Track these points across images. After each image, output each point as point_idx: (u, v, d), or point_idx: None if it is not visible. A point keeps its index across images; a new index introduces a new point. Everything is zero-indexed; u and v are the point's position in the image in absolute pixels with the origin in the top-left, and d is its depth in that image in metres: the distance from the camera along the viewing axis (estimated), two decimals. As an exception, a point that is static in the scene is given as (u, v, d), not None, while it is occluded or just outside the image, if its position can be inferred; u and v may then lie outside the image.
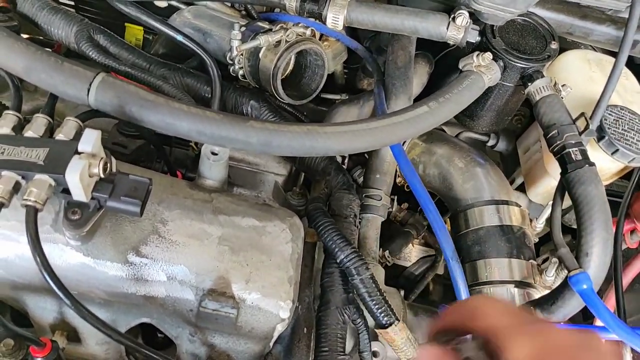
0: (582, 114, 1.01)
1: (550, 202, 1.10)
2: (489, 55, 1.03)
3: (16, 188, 0.73)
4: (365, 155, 1.32)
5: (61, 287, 0.72)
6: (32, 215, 0.71)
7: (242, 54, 1.17)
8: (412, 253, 1.63)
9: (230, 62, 1.19)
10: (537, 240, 1.24)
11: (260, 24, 1.21)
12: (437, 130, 1.40)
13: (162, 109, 0.81)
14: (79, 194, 0.74)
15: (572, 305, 0.94)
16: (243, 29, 1.18)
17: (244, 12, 1.36)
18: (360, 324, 0.95)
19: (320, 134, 0.85)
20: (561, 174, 0.98)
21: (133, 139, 1.11)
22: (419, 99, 1.23)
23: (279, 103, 1.23)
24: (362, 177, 1.30)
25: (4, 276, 0.82)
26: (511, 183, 1.37)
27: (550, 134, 1.00)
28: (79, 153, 0.74)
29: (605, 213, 0.91)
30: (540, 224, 1.17)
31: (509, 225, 1.14)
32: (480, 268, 1.11)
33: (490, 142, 1.45)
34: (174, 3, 1.34)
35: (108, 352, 0.96)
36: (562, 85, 1.05)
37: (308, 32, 1.16)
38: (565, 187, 0.97)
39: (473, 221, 1.16)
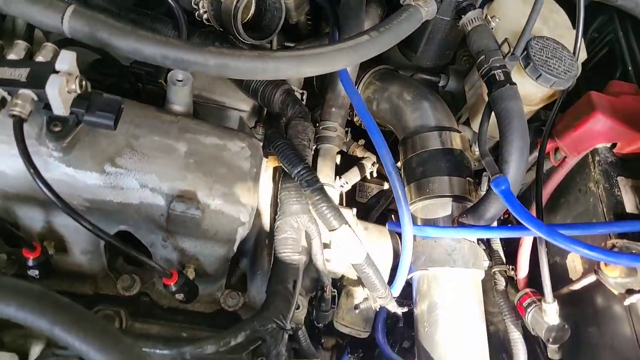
0: (506, 40, 1.14)
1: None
2: (426, -11, 1.15)
3: (2, 103, 0.84)
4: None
5: (50, 189, 0.83)
6: (18, 124, 0.82)
7: (206, -1, 1.27)
8: (373, 190, 1.78)
9: (195, 7, 1.29)
10: (477, 165, 1.37)
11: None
12: (391, 71, 1.52)
13: (130, 35, 0.91)
14: (59, 107, 0.85)
15: (496, 207, 1.08)
16: (205, -26, 1.28)
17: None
18: (313, 230, 1.08)
19: (271, 57, 0.97)
20: (487, 94, 1.11)
21: (107, 76, 1.22)
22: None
23: (242, 45, 1.34)
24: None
25: (-4, 187, 0.93)
26: (459, 119, 1.51)
27: (479, 59, 1.13)
28: (57, 72, 0.85)
29: (522, 125, 1.04)
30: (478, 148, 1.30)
31: (450, 148, 1.27)
32: (424, 185, 1.24)
33: (441, 83, 1.57)
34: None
35: (92, 261, 1.08)
36: (492, 17, 1.17)
37: (266, -25, 1.26)
38: (490, 105, 1.10)
39: (418, 146, 1.29)
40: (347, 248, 1.06)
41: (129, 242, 1.02)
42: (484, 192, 1.20)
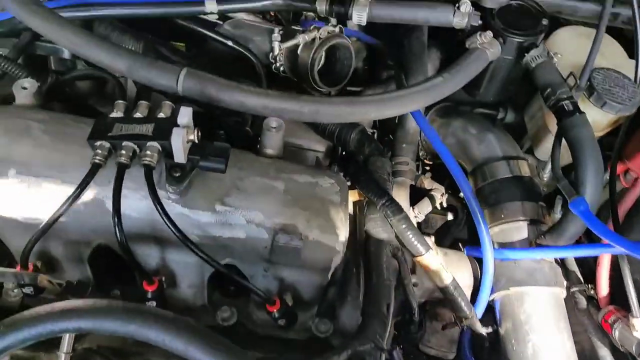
0: (571, 73, 1.22)
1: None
2: (489, 33, 1.24)
3: (134, 154, 0.97)
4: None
5: (175, 226, 0.95)
6: (149, 172, 0.95)
7: (282, 53, 1.41)
8: (438, 222, 1.84)
9: (272, 60, 1.43)
10: (545, 190, 1.43)
11: (294, 27, 1.44)
12: (451, 107, 1.62)
13: (235, 91, 1.03)
14: (180, 156, 0.97)
15: (575, 227, 1.14)
16: (281, 32, 1.41)
17: (273, 21, 1.61)
18: (401, 257, 1.16)
19: (357, 102, 1.08)
20: (557, 124, 1.19)
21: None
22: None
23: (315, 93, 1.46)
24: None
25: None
26: (521, 148, 1.58)
27: (546, 93, 1.21)
28: (178, 125, 0.98)
29: (595, 149, 1.11)
30: (546, 174, 1.37)
31: (520, 176, 1.35)
32: (498, 211, 1.31)
33: (500, 115, 1.66)
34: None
35: (196, 294, 1.19)
36: (554, 53, 1.26)
37: (337, 29, 1.39)
38: (561, 134, 1.18)
39: (488, 175, 1.37)
40: (434, 272, 1.13)
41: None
42: (559, 214, 1.28)
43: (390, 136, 1.53)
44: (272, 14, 1.59)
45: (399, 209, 1.13)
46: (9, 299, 1.13)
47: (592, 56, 1.23)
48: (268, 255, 1.08)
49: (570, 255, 1.23)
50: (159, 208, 0.94)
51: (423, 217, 1.48)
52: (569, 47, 1.42)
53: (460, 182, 1.20)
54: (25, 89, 1.11)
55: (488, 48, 1.25)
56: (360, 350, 1.04)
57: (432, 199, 1.55)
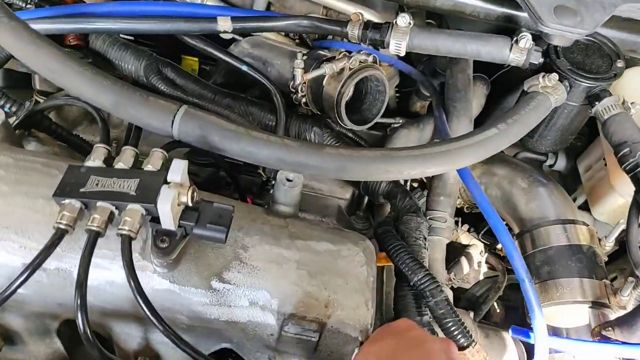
0: (655, 130, 1.00)
1: (621, 221, 1.09)
2: (555, 76, 1.03)
3: (110, 218, 0.76)
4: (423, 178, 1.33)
5: (153, 311, 0.74)
6: (127, 244, 0.74)
7: (305, 82, 1.20)
8: (471, 275, 1.62)
9: (293, 90, 1.22)
10: (606, 259, 1.21)
11: (321, 52, 1.24)
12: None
13: (243, 139, 0.84)
14: (168, 222, 0.77)
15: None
16: (305, 57, 1.21)
17: (297, 41, 1.41)
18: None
19: (394, 158, 0.87)
20: (636, 191, 0.97)
21: (203, 167, 1.15)
22: (478, 121, 1.24)
23: (339, 129, 1.26)
24: (421, 199, 1.30)
25: (94, 303, 0.84)
26: (573, 201, 1.36)
27: (622, 152, 0.99)
28: (168, 183, 0.77)
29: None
30: (610, 243, 1.15)
31: (578, 245, 1.13)
32: (551, 288, 1.10)
33: (549, 162, 1.45)
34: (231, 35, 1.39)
35: (186, 377, 0.98)
36: (631, 103, 1.04)
37: (370, 59, 1.18)
38: (638, 203, 0.96)
39: (540, 241, 1.16)
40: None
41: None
42: (627, 297, 1.06)
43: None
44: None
45: (439, 290, 0.92)
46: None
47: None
48: (274, 344, 0.87)
49: (646, 355, 1.02)
50: (135, 287, 0.73)
51: (459, 284, 1.27)
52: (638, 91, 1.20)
53: (515, 261, 0.98)
54: (-11, 119, 0.91)
55: (552, 93, 1.04)
56: None
57: (469, 259, 1.33)
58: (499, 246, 1.47)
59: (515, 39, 1.06)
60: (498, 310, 1.52)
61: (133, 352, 0.92)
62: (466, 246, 1.37)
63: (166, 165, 0.80)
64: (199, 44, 1.21)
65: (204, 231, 0.80)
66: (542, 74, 1.04)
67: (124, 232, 0.74)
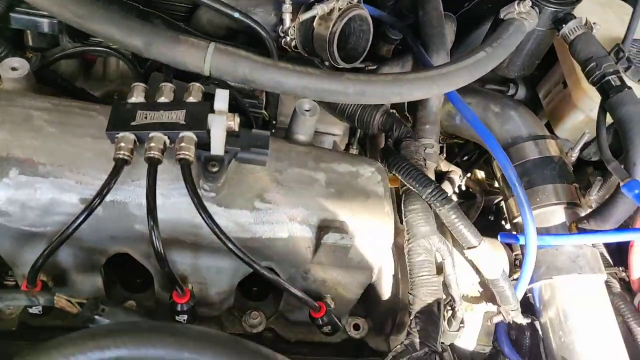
0: (617, 45, 1.15)
1: (586, 131, 1.25)
2: (528, 2, 1.15)
3: (165, 147, 0.82)
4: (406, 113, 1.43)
5: (215, 225, 0.81)
6: (187, 168, 0.81)
7: (294, 26, 1.27)
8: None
9: (282, 34, 1.28)
10: (571, 169, 1.38)
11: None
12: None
13: (271, 69, 0.90)
14: (219, 147, 0.83)
15: (623, 210, 1.08)
16: (292, 2, 1.27)
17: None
18: (444, 250, 1.07)
19: (405, 80, 0.97)
20: (602, 100, 1.12)
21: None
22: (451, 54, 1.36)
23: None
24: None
25: (144, 231, 0.89)
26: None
27: (589, 67, 1.13)
28: (214, 111, 0.84)
29: (647, 128, 1.05)
30: (575, 153, 1.31)
31: (549, 156, 1.28)
32: (532, 195, 1.24)
33: (511, 92, 1.58)
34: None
35: (223, 301, 1.06)
36: (593, 23, 1.19)
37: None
38: (607, 110, 1.11)
39: (518, 156, 1.29)
40: (487, 265, 1.05)
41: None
42: (596, 196, 1.22)
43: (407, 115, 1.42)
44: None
45: (448, 199, 1.04)
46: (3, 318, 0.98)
47: (632, 27, 1.16)
48: (310, 256, 0.96)
49: (618, 239, 1.18)
50: (202, 210, 0.80)
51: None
52: (591, 19, 1.35)
53: (505, 167, 1.11)
54: (15, 69, 0.92)
55: (526, 19, 1.17)
56: (414, 356, 0.94)
57: (452, 182, 1.46)
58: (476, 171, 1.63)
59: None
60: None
61: (181, 278, 0.98)
62: (447, 172, 1.51)
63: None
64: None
65: (249, 154, 0.87)
66: (517, 1, 1.16)
67: (182, 155, 0.80)
